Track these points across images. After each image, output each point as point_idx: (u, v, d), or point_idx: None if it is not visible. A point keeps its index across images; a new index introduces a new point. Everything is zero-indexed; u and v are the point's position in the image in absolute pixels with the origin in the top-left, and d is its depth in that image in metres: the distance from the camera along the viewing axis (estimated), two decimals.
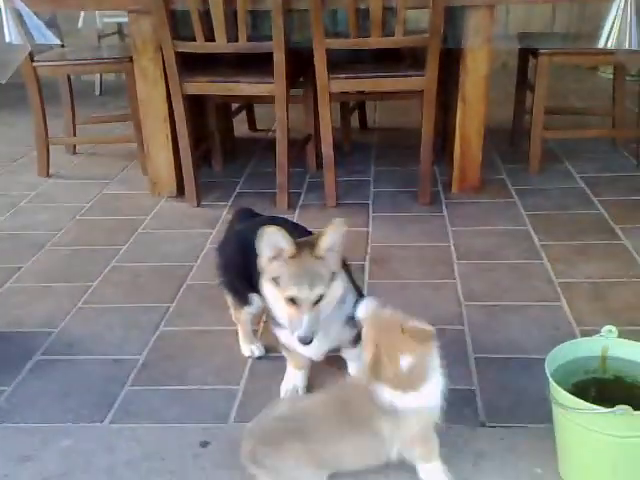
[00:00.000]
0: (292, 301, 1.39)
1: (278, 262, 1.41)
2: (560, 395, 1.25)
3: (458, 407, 1.54)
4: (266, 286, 1.44)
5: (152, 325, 1.90)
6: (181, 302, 2.03)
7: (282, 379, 1.64)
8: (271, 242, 1.40)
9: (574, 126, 3.31)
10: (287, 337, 1.50)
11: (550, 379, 1.28)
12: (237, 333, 1.79)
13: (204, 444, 1.47)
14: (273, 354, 1.76)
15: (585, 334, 1.80)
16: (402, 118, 3.85)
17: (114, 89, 4.63)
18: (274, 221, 1.68)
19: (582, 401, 1.21)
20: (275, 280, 1.41)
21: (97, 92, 4.62)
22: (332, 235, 1.43)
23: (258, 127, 3.78)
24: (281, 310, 1.44)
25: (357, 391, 1.33)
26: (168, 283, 2.13)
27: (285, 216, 2.52)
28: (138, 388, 1.65)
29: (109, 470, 1.40)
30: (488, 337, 1.82)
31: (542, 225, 2.46)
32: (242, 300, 1.70)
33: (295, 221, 2.54)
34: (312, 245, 1.42)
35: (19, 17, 2.55)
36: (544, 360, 1.40)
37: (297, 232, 1.57)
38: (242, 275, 1.65)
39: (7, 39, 2.52)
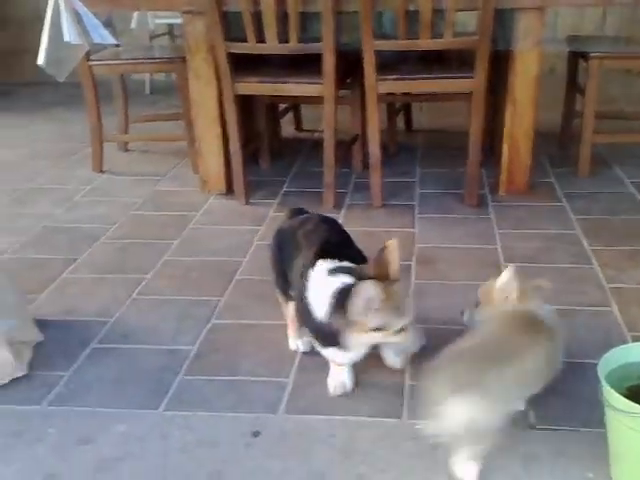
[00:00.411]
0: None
1: (372, 313, 1.43)
2: (614, 399, 1.25)
3: None
4: (358, 337, 1.48)
5: (204, 318, 1.95)
6: (231, 296, 2.07)
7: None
8: (367, 297, 1.41)
9: (624, 131, 3.26)
10: (334, 354, 1.56)
11: (603, 382, 1.28)
12: (287, 327, 1.82)
13: (256, 434, 1.50)
14: None
15: (636, 339, 1.79)
16: (447, 120, 3.84)
17: (163, 88, 4.72)
18: (320, 219, 1.75)
19: (637, 405, 1.21)
20: (379, 328, 1.47)
21: (147, 91, 4.72)
22: (397, 257, 1.50)
23: (304, 127, 3.82)
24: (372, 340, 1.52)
25: (521, 314, 1.50)
26: (218, 278, 2.18)
27: (331, 215, 2.57)
28: (191, 378, 1.69)
29: (163, 455, 1.45)
30: None
31: (591, 230, 2.44)
32: (287, 296, 1.76)
33: (341, 221, 2.60)
34: (386, 274, 1.47)
35: (78, 17, 2.64)
36: (595, 365, 1.39)
37: (341, 236, 1.73)
38: (282, 272, 1.72)
39: (66, 39, 2.62)
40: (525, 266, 2.20)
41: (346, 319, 1.45)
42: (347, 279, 1.50)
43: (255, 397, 1.62)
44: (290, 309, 1.78)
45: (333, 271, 1.54)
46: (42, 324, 1.88)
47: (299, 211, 1.90)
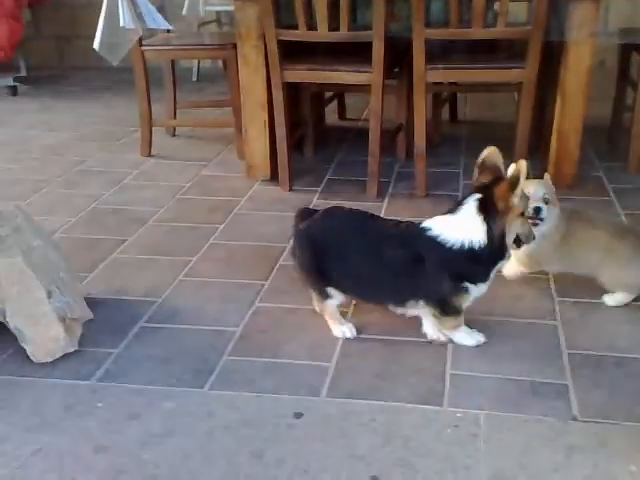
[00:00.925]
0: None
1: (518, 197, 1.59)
2: None
3: (551, 400, 1.55)
4: (514, 226, 1.65)
5: (248, 300, 1.98)
6: (274, 281, 2.10)
7: (373, 359, 1.70)
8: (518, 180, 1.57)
9: None
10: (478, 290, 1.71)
11: None
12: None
13: (298, 415, 1.53)
14: (364, 335, 1.81)
15: None
16: (492, 112, 3.81)
17: (210, 75, 4.78)
18: (333, 213, 1.83)
19: None
20: (523, 213, 1.67)
21: (194, 78, 4.78)
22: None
23: (348, 116, 3.82)
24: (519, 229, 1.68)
25: None
26: (262, 262, 2.21)
27: (374, 204, 2.58)
28: (235, 358, 1.73)
29: (209, 433, 1.48)
30: (581, 334, 1.80)
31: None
32: (323, 295, 1.78)
33: (384, 209, 2.61)
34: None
35: (133, 2, 2.69)
36: (638, 359, 1.38)
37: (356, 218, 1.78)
38: (317, 272, 1.76)
39: (121, 23, 2.67)
40: None
41: (506, 207, 1.58)
42: (471, 201, 1.64)
43: (298, 380, 1.64)
44: (328, 306, 1.80)
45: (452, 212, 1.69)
46: (92, 302, 1.94)
47: (309, 211, 1.89)
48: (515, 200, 1.59)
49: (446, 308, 1.71)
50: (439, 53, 2.68)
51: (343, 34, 2.55)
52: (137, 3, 2.67)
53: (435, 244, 1.64)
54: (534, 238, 1.74)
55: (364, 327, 1.84)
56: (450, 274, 1.65)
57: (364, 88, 2.70)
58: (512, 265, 2.01)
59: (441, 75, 2.64)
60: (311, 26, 2.57)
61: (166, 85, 3.42)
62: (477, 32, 2.47)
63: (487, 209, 1.60)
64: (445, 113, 3.60)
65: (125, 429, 1.51)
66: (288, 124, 2.77)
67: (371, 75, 2.61)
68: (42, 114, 4.08)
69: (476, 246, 1.61)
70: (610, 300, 1.93)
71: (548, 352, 1.73)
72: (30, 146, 3.46)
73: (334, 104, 3.72)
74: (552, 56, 2.69)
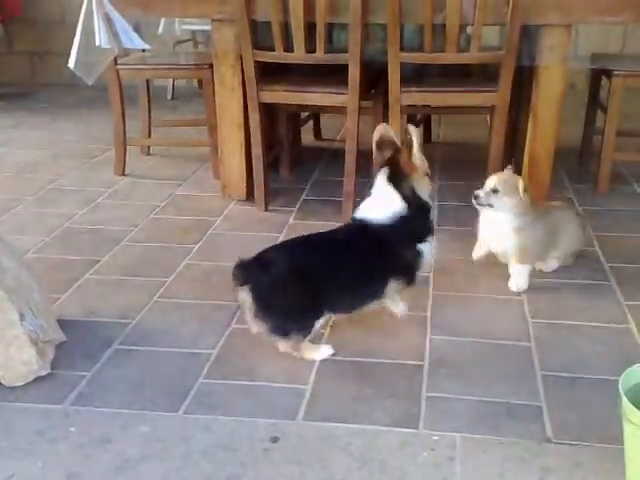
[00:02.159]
0: None
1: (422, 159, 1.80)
2: (634, 415, 1.25)
3: (526, 422, 1.56)
4: (424, 185, 1.84)
5: (224, 322, 1.97)
6: None
7: (349, 382, 1.71)
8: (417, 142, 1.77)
9: None
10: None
11: (624, 398, 1.29)
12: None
13: (274, 439, 1.52)
14: (339, 357, 1.81)
15: None
16: (465, 133, 3.86)
17: (185, 94, 4.77)
18: (284, 247, 1.87)
19: None
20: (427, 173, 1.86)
21: (169, 96, 4.77)
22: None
23: (324, 137, 3.85)
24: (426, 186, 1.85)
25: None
26: None
27: None
28: (211, 381, 1.71)
29: (184, 458, 1.47)
30: (555, 355, 1.82)
31: (610, 247, 2.45)
32: (308, 329, 1.73)
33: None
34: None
35: (109, 21, 2.69)
36: (611, 381, 1.40)
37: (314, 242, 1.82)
38: (311, 303, 1.70)
39: (97, 42, 2.66)
40: (544, 281, 2.22)
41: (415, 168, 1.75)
42: (380, 176, 1.81)
43: (274, 403, 1.63)
44: (305, 342, 1.76)
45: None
46: (64, 324, 1.91)
47: (246, 262, 1.75)
48: (416, 161, 1.76)
49: (413, 277, 1.84)
50: (414, 76, 2.72)
51: (319, 56, 2.57)
52: (113, 22, 2.66)
53: (377, 226, 1.76)
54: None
55: (339, 349, 1.84)
56: (402, 243, 1.79)
57: (341, 109, 2.72)
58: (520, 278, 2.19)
59: (415, 98, 2.67)
60: (288, 48, 2.59)
61: (141, 104, 3.41)
62: (451, 57, 2.51)
63: (395, 177, 1.77)
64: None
65: (99, 454, 1.48)
66: (264, 144, 2.78)
67: (347, 97, 2.64)
68: (14, 131, 4.04)
69: (403, 211, 1.76)
70: (548, 267, 2.27)
71: (522, 374, 1.75)
72: (1, 164, 3.42)
73: (310, 124, 3.74)
74: (525, 79, 2.75)
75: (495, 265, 2.35)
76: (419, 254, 1.82)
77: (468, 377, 1.73)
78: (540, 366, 1.77)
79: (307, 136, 3.75)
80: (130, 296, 2.12)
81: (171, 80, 4.71)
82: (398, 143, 1.80)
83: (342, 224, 1.91)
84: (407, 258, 1.80)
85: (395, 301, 1.91)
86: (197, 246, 2.47)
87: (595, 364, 1.78)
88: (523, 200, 2.07)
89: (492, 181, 2.13)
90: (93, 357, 1.81)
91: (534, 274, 2.25)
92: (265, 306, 1.66)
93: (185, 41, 4.78)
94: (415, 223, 1.80)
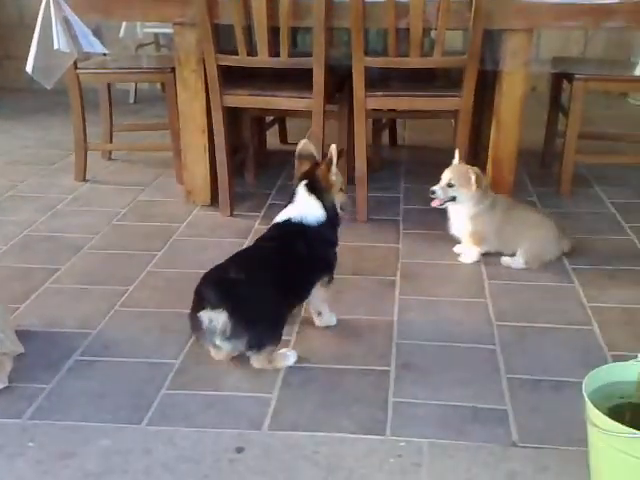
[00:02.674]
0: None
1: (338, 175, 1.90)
2: (598, 418, 1.26)
3: (491, 426, 1.56)
4: (339, 198, 1.96)
5: (187, 330, 1.91)
6: None
7: (315, 389, 1.69)
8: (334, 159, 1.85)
9: (605, 151, 3.32)
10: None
11: (588, 401, 1.30)
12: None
13: (239, 450, 1.49)
14: (305, 364, 1.79)
15: (617, 359, 1.80)
16: (430, 136, 3.88)
17: (147, 98, 4.71)
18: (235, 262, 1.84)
19: (621, 425, 1.22)
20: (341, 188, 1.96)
21: (131, 100, 4.70)
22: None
23: (289, 140, 3.82)
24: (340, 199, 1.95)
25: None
26: None
27: None
28: (174, 392, 1.68)
29: (146, 471, 1.43)
30: (519, 358, 1.83)
31: (573, 249, 2.47)
32: (279, 339, 1.76)
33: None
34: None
35: (68, 24, 2.63)
36: (575, 383, 1.41)
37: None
38: (276, 308, 1.75)
39: (55, 46, 2.60)
40: (508, 284, 2.24)
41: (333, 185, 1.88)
42: (301, 188, 1.89)
43: (239, 413, 1.61)
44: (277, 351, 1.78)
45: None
46: (23, 335, 1.86)
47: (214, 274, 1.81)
48: (333, 178, 1.87)
49: (332, 273, 1.95)
50: (378, 80, 2.72)
51: (283, 60, 2.55)
52: (72, 25, 2.61)
53: (303, 229, 1.85)
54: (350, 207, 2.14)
55: (305, 356, 1.82)
56: (327, 244, 1.92)
57: (306, 112, 2.71)
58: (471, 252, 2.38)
59: (380, 102, 2.67)
60: (251, 51, 2.56)
61: (102, 108, 3.34)
62: (414, 61, 2.51)
63: (315, 189, 1.87)
64: (385, 138, 3.65)
65: (59, 469, 1.44)
66: (228, 148, 2.75)
67: (311, 101, 2.62)
68: None
69: (323, 218, 1.87)
70: (514, 263, 2.34)
71: (488, 377, 1.75)
72: None
73: (275, 128, 3.72)
74: (488, 83, 2.77)
75: (460, 267, 2.36)
76: (335, 255, 1.96)
77: (434, 381, 1.73)
78: (505, 369, 1.78)
79: (273, 140, 3.72)
80: (91, 305, 2.07)
81: (133, 84, 4.64)
82: (318, 157, 1.92)
83: (270, 230, 1.95)
84: (330, 257, 1.94)
85: (324, 310, 1.96)
86: (160, 253, 2.43)
87: (559, 366, 1.79)
88: (477, 189, 2.25)
89: (447, 175, 2.29)
90: (53, 369, 1.76)
91: (498, 276, 2.27)
92: (243, 323, 1.65)
93: (148, 44, 4.72)
94: (331, 230, 1.93)
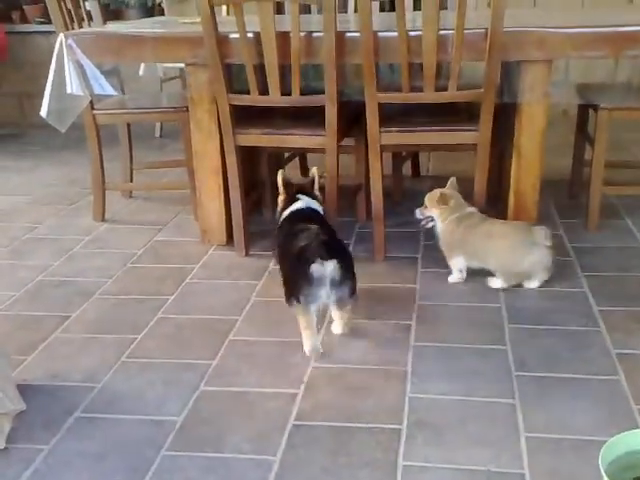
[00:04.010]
0: None
1: None
2: None
3: None
4: None
5: (192, 384, 1.88)
6: (222, 359, 2.01)
7: (321, 450, 1.61)
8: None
9: (636, 179, 3.18)
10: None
11: (604, 475, 1.20)
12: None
13: None
14: (312, 422, 1.71)
15: None
16: (456, 166, 3.76)
17: (173, 132, 4.71)
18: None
19: None
20: None
21: (157, 134, 4.73)
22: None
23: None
24: None
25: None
26: (211, 338, 2.12)
27: None
28: (174, 453, 1.62)
29: None
30: (540, 414, 1.72)
31: (600, 288, 2.35)
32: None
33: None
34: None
35: (80, 68, 2.64)
36: (599, 443, 1.30)
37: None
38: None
39: (68, 90, 2.61)
40: (530, 328, 2.13)
41: None
42: (302, 196, 2.39)
43: (240, 477, 1.54)
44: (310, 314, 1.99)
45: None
46: (26, 389, 1.83)
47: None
48: (317, 192, 2.42)
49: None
50: (395, 114, 2.65)
51: (294, 99, 2.51)
52: (84, 68, 2.61)
53: (316, 213, 2.35)
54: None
55: (312, 413, 1.75)
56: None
57: (322, 149, 2.66)
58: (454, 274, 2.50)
59: (395, 138, 2.60)
60: (263, 90, 2.53)
61: (122, 146, 3.35)
62: (429, 96, 2.44)
63: (309, 194, 2.39)
64: (407, 167, 3.57)
65: None
66: (243, 187, 2.71)
67: (325, 139, 2.57)
68: None
69: (322, 212, 2.40)
70: (491, 282, 2.39)
71: (505, 436, 1.65)
72: None
73: (296, 161, 3.68)
74: (509, 113, 2.68)
75: (479, 309, 2.27)
76: None
77: (447, 441, 1.64)
78: (524, 426, 1.68)
79: (294, 172, 3.68)
80: (98, 356, 2.04)
81: None
82: (293, 182, 2.44)
83: (285, 219, 2.33)
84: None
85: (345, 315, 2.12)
86: (172, 297, 2.39)
87: (582, 423, 1.68)
88: (442, 207, 2.46)
89: (425, 200, 2.55)
90: (53, 427, 1.72)
91: (520, 320, 2.17)
92: (347, 269, 2.00)
93: (173, 78, 4.75)
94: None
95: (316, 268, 1.92)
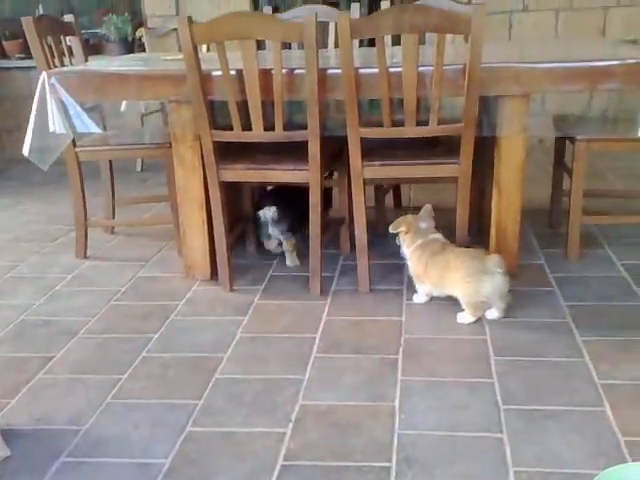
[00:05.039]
0: None
1: None
2: None
3: None
4: None
5: (179, 425, 1.86)
6: (209, 399, 1.99)
7: None
8: None
9: (615, 208, 3.24)
10: None
11: None
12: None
13: None
14: (303, 462, 1.70)
15: (630, 445, 1.72)
16: (437, 197, 3.81)
17: (154, 165, 4.72)
18: None
19: None
20: None
21: (138, 169, 4.73)
22: None
23: None
24: None
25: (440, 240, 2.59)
26: (197, 377, 2.11)
27: (317, 302, 2.55)
28: None
29: None
30: (527, 447, 1.73)
31: (583, 318, 2.38)
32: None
33: (327, 308, 2.55)
34: None
35: (63, 106, 2.64)
36: (587, 476, 1.31)
37: None
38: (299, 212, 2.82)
39: (51, 129, 2.61)
40: (515, 360, 2.14)
41: None
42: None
43: None
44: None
45: None
46: (11, 434, 1.80)
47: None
48: None
49: None
50: (376, 147, 2.68)
51: (278, 134, 2.54)
52: (67, 107, 2.62)
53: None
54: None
55: (301, 452, 1.74)
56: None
57: (305, 183, 2.67)
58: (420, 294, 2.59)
59: (378, 171, 2.63)
60: (246, 126, 2.55)
61: (103, 183, 3.34)
62: (410, 131, 2.48)
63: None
64: (389, 199, 3.60)
65: None
66: (227, 222, 2.72)
67: (308, 173, 2.59)
68: None
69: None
70: (460, 318, 2.41)
71: (493, 471, 1.65)
72: None
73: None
74: (488, 146, 2.72)
75: (465, 342, 2.28)
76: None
77: (437, 478, 1.63)
78: (512, 461, 1.68)
79: None
80: (82, 398, 2.01)
81: None
82: None
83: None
84: None
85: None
86: (156, 335, 2.38)
87: (570, 456, 1.69)
88: (405, 234, 2.57)
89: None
90: (38, 474, 1.69)
91: (505, 351, 2.18)
92: (283, 215, 2.84)
93: (154, 112, 4.76)
94: None
95: (262, 212, 2.86)
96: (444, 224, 2.62)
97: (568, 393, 1.95)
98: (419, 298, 2.57)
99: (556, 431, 1.79)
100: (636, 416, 1.83)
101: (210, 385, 2.06)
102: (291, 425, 1.85)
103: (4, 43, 5.30)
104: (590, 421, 1.83)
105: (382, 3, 3.45)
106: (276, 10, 4.43)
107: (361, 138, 2.53)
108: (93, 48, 5.29)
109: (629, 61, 2.41)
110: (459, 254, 2.45)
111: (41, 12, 4.97)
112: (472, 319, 2.39)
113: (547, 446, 1.73)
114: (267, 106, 2.54)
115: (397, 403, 1.94)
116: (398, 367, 2.13)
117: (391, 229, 2.60)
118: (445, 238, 2.56)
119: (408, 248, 2.57)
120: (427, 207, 2.63)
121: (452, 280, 2.41)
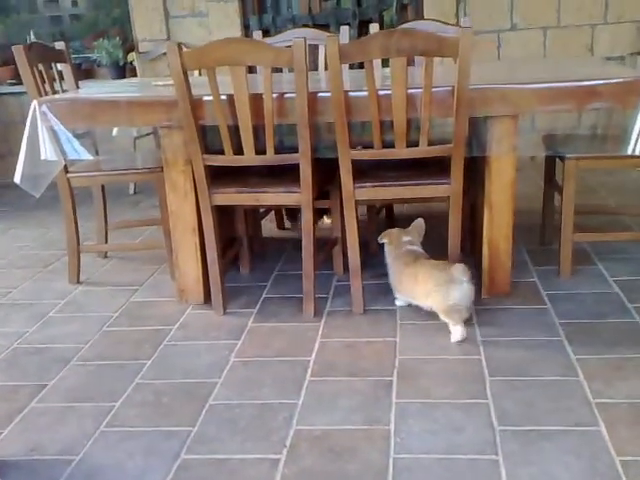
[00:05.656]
0: None
1: None
2: None
3: None
4: None
5: (173, 452, 1.85)
6: (203, 426, 1.98)
7: None
8: None
9: (606, 225, 3.25)
10: None
11: None
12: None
13: None
14: None
15: (626, 465, 1.71)
16: (429, 209, 3.83)
17: (147, 188, 4.73)
18: None
19: None
20: None
21: (131, 192, 4.74)
22: None
23: (287, 226, 3.81)
24: None
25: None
26: (191, 403, 2.09)
27: (311, 324, 2.54)
28: None
29: None
30: (523, 469, 1.72)
31: (576, 336, 2.38)
32: None
33: (321, 329, 2.54)
34: None
35: (54, 134, 2.65)
36: None
37: None
38: None
39: (42, 156, 2.62)
40: (510, 380, 2.14)
41: None
42: None
43: None
44: None
45: None
46: (3, 466, 1.79)
47: None
48: None
49: None
50: (367, 168, 2.70)
51: (269, 158, 2.55)
52: (58, 134, 2.63)
53: None
54: None
55: (297, 476, 1.73)
56: None
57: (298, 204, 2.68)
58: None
59: (369, 193, 2.64)
60: (238, 150, 2.56)
61: (96, 208, 3.35)
62: (401, 152, 2.50)
63: None
64: (382, 214, 3.61)
65: None
66: (219, 246, 2.72)
67: (300, 196, 2.60)
68: None
69: None
70: (453, 337, 2.41)
71: None
72: None
73: (272, 214, 3.71)
74: (479, 165, 2.74)
75: (460, 362, 2.28)
76: None
77: None
78: None
79: (271, 225, 3.71)
80: (75, 426, 2.00)
81: None
82: None
83: None
84: None
85: None
86: (149, 362, 2.37)
87: (565, 477, 1.68)
88: (387, 245, 2.69)
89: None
90: None
91: (500, 371, 2.18)
92: None
93: (147, 135, 4.77)
94: None
95: None
96: (439, 239, 2.64)
97: (563, 413, 1.95)
98: (399, 302, 2.70)
99: (551, 452, 1.79)
100: (631, 436, 1.83)
101: (204, 411, 2.05)
102: (285, 451, 1.84)
103: None
104: (585, 441, 1.82)
105: (371, 26, 3.49)
106: (266, 33, 4.47)
107: (352, 160, 2.55)
108: (85, 72, 5.32)
109: (615, 80, 2.43)
110: (425, 266, 2.53)
111: (32, 38, 5.00)
112: (461, 329, 2.40)
113: (543, 467, 1.73)
114: (258, 130, 2.56)
115: (392, 426, 1.93)
116: (393, 389, 2.13)
117: (379, 239, 2.72)
118: (422, 251, 2.65)
119: (388, 259, 2.69)
120: (418, 221, 2.72)
121: (422, 292, 2.50)
